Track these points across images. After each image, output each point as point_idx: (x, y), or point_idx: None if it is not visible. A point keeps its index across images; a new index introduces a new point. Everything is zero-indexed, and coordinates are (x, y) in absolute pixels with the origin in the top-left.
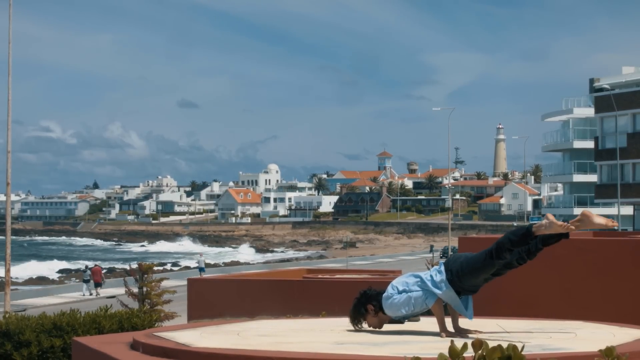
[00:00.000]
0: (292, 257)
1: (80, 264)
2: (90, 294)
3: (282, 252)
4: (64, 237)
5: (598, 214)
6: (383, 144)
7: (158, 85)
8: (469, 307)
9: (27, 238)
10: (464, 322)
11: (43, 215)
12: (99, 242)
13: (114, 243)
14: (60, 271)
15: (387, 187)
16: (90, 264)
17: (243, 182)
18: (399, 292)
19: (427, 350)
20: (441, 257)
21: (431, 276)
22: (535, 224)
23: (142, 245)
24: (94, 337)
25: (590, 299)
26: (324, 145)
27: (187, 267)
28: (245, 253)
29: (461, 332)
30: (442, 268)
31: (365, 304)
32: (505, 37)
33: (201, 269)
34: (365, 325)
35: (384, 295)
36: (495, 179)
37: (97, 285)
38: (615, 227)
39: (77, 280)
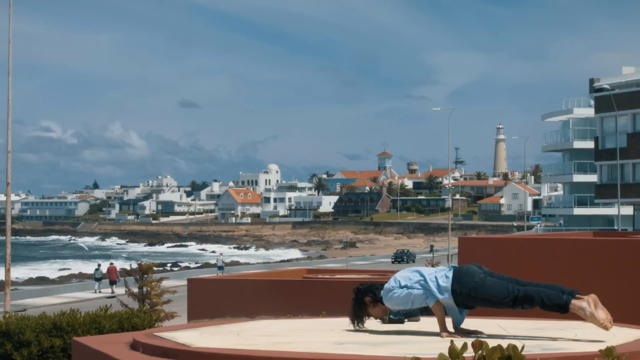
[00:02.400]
0: (292, 257)
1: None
2: (97, 292)
3: (282, 252)
4: (105, 239)
5: (601, 308)
6: (383, 144)
7: (158, 85)
8: (463, 314)
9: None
10: (464, 323)
11: (43, 215)
12: (133, 244)
13: (147, 244)
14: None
15: (387, 187)
16: (104, 262)
17: (243, 182)
18: (401, 287)
19: (427, 350)
20: (393, 262)
21: (436, 278)
22: (574, 304)
23: (191, 246)
24: (94, 337)
25: None
26: (324, 145)
27: (187, 267)
28: (290, 254)
29: (461, 333)
30: (451, 274)
31: (362, 298)
32: (505, 37)
33: (220, 267)
34: (366, 325)
35: (386, 287)
36: (495, 179)
37: (112, 283)
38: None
39: (77, 280)
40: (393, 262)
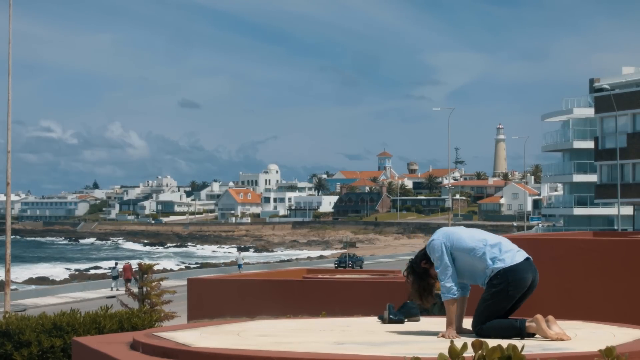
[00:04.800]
0: (292, 257)
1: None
2: (117, 289)
3: (281, 252)
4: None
5: (554, 325)
6: (383, 144)
7: (158, 85)
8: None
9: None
10: (466, 323)
11: (43, 216)
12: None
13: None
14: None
15: (387, 187)
16: (121, 261)
17: (243, 182)
18: (441, 254)
19: (427, 350)
20: (336, 267)
21: (488, 271)
22: (527, 326)
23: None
24: (94, 337)
25: (590, 299)
26: (324, 145)
27: (188, 267)
28: (312, 253)
29: (463, 333)
30: (514, 262)
31: (420, 269)
32: (505, 37)
33: (239, 265)
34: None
35: (439, 245)
36: (495, 179)
37: (128, 281)
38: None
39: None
40: (337, 268)
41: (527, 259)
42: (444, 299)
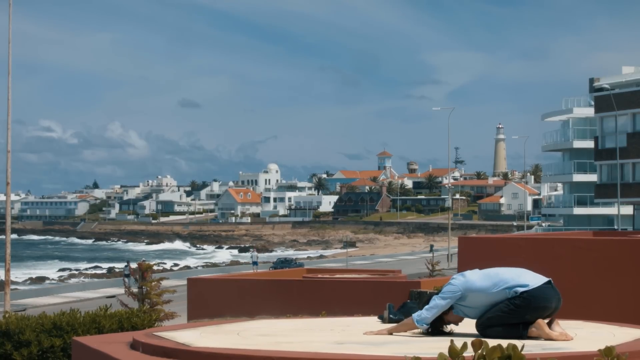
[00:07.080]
0: (292, 257)
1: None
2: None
3: (282, 251)
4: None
5: (557, 326)
6: (383, 144)
7: (158, 85)
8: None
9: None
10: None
11: (43, 215)
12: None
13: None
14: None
15: (387, 186)
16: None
17: (243, 182)
18: (445, 295)
19: (427, 350)
20: (271, 265)
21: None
22: (529, 330)
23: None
24: (93, 337)
25: (590, 298)
26: (324, 145)
27: (187, 267)
28: (312, 253)
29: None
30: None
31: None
32: (505, 37)
33: (254, 263)
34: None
35: (450, 289)
36: (495, 178)
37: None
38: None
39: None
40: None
41: (549, 281)
42: (414, 321)
